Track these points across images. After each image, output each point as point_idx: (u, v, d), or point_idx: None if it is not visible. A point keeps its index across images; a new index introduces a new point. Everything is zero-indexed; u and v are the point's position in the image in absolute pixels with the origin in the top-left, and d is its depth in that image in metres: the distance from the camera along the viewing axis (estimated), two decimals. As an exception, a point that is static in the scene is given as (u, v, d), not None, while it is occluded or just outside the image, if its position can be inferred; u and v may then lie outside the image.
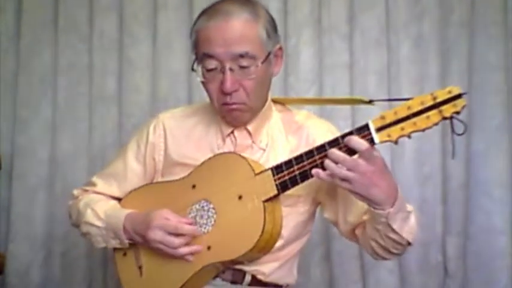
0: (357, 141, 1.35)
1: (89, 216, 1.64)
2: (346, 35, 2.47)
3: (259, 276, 1.57)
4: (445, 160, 2.43)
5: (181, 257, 1.51)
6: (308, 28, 2.47)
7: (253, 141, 1.59)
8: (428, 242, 2.45)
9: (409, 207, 1.49)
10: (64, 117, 2.51)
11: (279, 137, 1.60)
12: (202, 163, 1.55)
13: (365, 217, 1.55)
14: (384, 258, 1.59)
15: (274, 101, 1.66)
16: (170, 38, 2.49)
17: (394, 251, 1.53)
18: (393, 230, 1.46)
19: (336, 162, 1.37)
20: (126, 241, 1.60)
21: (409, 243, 1.51)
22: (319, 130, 1.61)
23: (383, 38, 2.45)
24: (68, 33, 2.50)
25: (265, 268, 1.56)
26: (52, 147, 2.50)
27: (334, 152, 1.37)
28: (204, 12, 1.53)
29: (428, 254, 2.45)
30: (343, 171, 1.36)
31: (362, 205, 1.52)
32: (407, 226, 1.48)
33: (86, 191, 1.73)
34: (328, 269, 2.46)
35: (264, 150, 1.58)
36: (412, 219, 1.50)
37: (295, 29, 2.47)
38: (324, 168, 1.39)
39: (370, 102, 1.52)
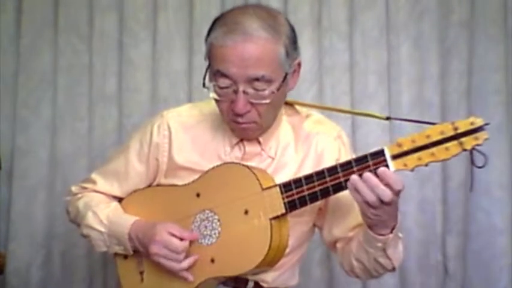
0: (395, 180, 1.30)
1: (90, 220, 1.59)
2: (346, 35, 2.47)
3: (262, 284, 1.55)
4: (445, 160, 2.43)
5: (181, 275, 1.48)
6: (308, 28, 2.46)
7: (262, 149, 1.54)
8: (428, 241, 2.46)
9: (400, 233, 1.47)
10: (64, 117, 2.50)
11: (288, 144, 1.56)
12: (208, 171, 1.50)
13: (351, 233, 1.54)
14: (358, 277, 1.58)
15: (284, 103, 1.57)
16: (170, 38, 2.48)
17: (375, 273, 1.51)
18: (386, 255, 1.44)
19: (370, 187, 1.31)
20: (131, 249, 1.57)
21: (393, 269, 1.49)
22: (327, 139, 1.57)
23: (383, 38, 2.46)
24: (68, 33, 2.50)
25: (268, 277, 1.54)
26: (52, 147, 2.50)
27: (372, 179, 1.30)
28: (221, 22, 1.43)
29: (428, 254, 2.46)
30: (376, 200, 1.31)
31: (350, 222, 1.52)
32: (397, 253, 1.47)
33: (85, 188, 1.67)
34: (328, 269, 2.46)
35: (273, 158, 1.54)
36: (401, 245, 1.48)
37: (295, 29, 2.46)
38: (334, 190, 1.36)
39: (388, 119, 1.49)
